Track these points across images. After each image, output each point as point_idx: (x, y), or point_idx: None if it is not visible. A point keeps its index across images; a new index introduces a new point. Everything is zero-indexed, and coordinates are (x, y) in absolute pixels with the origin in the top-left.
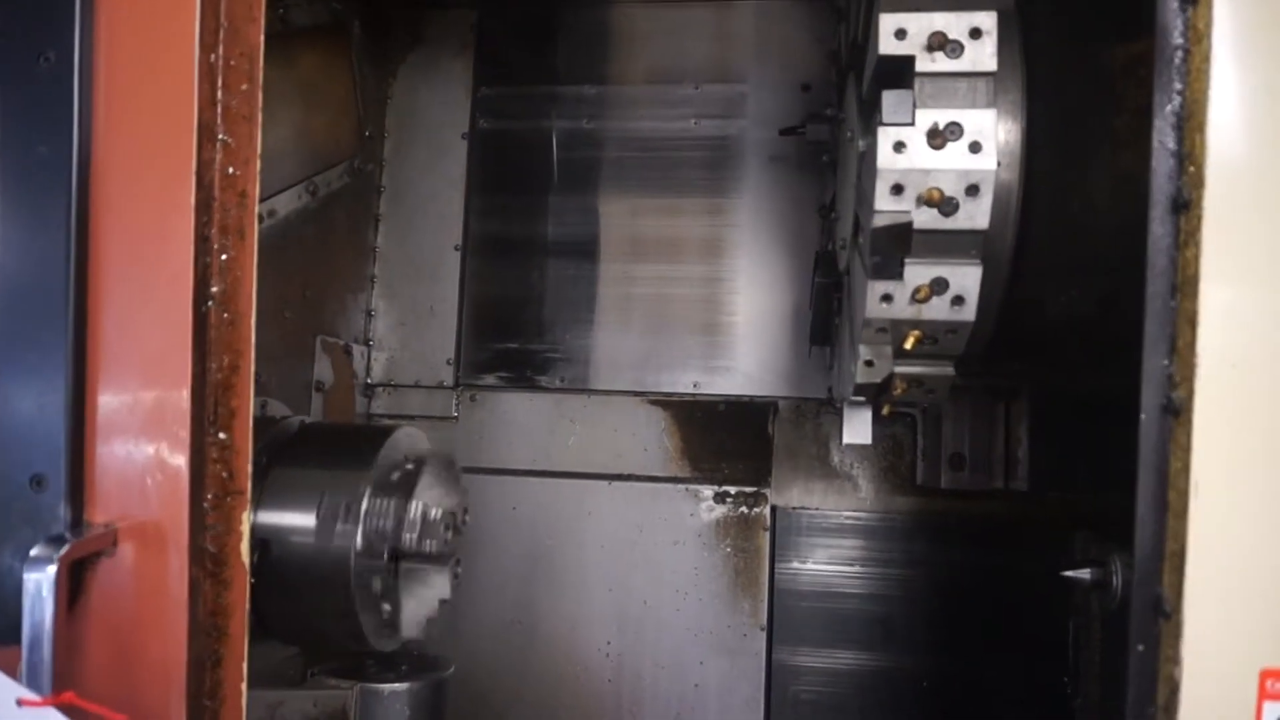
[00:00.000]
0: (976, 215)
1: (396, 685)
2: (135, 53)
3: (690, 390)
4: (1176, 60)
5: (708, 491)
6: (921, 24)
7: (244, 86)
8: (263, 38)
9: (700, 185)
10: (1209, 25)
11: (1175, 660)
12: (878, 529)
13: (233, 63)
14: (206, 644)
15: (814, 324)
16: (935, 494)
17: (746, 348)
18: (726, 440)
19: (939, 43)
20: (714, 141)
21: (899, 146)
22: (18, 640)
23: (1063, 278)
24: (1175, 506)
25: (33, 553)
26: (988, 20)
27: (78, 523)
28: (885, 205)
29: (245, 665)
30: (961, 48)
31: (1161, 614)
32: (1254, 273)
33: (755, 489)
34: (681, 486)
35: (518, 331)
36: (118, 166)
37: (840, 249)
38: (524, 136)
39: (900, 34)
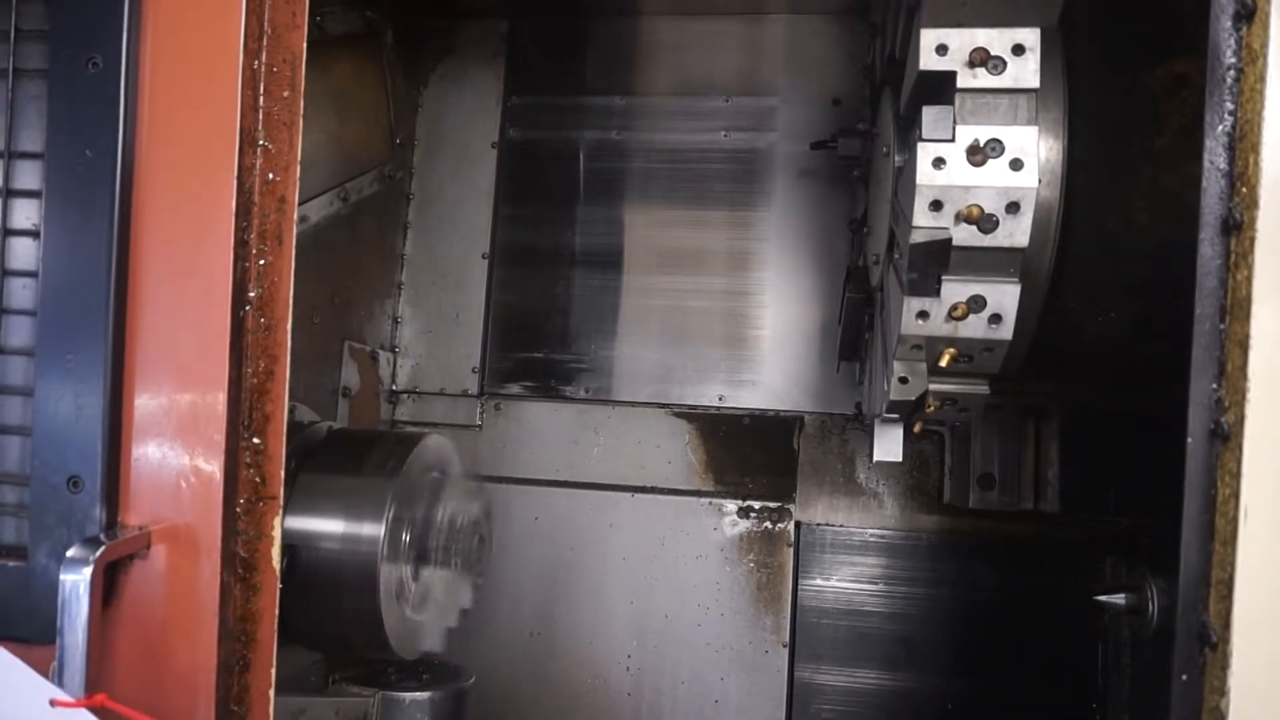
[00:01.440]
0: (1016, 233)
1: (417, 694)
2: (181, 58)
3: (715, 403)
4: (1229, 80)
5: (731, 506)
6: (963, 40)
7: (285, 93)
8: (305, 44)
9: (728, 198)
10: (1264, 45)
11: (1221, 691)
12: (903, 547)
13: (275, 69)
14: (235, 649)
15: (843, 339)
16: (962, 513)
17: (772, 362)
18: (751, 454)
19: (981, 59)
20: (743, 154)
21: (938, 163)
22: (50, 639)
23: (1101, 297)
24: (1223, 533)
25: (70, 554)
26: (1031, 36)
27: (112, 524)
28: (924, 221)
29: (273, 671)
30: (1004, 64)
31: (1207, 643)
32: None
33: (779, 504)
34: (705, 500)
35: (543, 341)
36: (161, 170)
37: (873, 264)
38: (553, 146)
39: (941, 50)
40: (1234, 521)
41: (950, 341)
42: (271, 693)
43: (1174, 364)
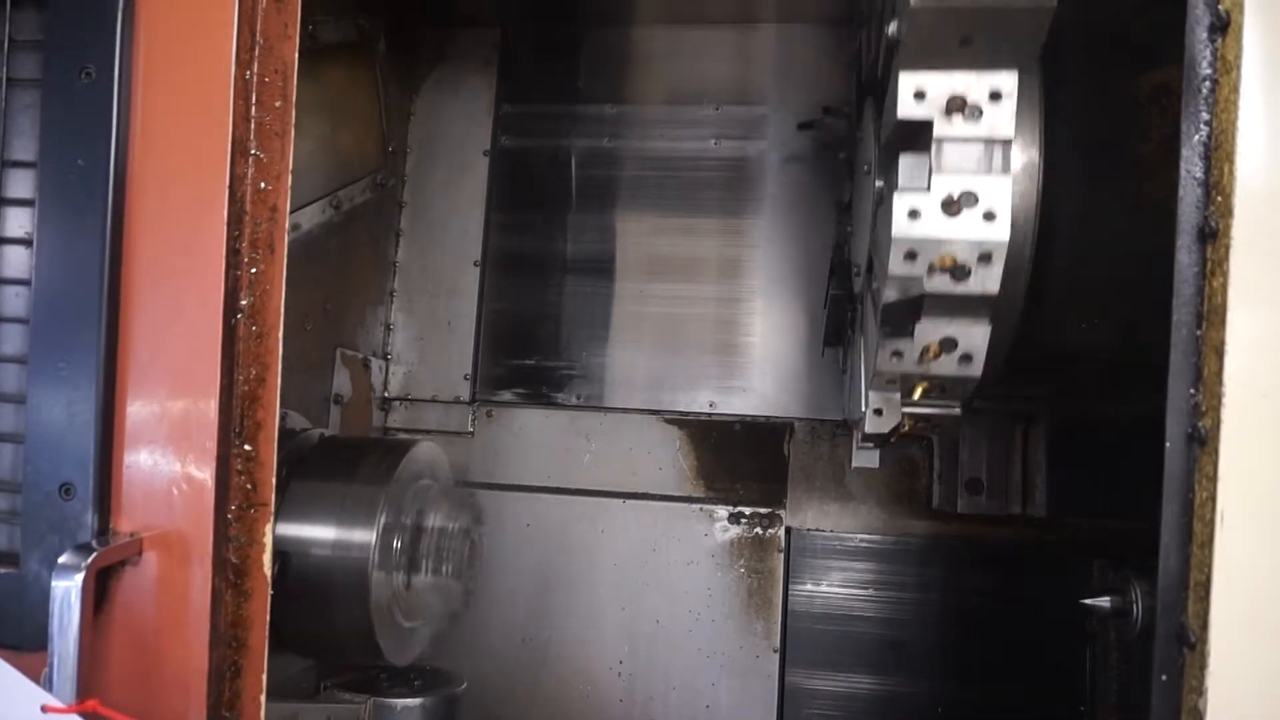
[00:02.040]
0: (988, 281)
1: (409, 700)
2: (173, 68)
3: (706, 410)
4: (1204, 91)
5: (722, 511)
6: (940, 86)
7: (277, 103)
8: (296, 55)
9: (719, 205)
10: (1238, 56)
11: (1199, 691)
12: (892, 552)
13: (267, 79)
14: (226, 655)
15: (828, 326)
16: (951, 518)
17: (763, 368)
18: (742, 460)
19: (958, 105)
20: (733, 162)
21: (913, 214)
22: (41, 646)
23: (1082, 304)
24: (1200, 536)
25: (61, 560)
26: (1008, 82)
27: (104, 531)
28: (898, 270)
29: (264, 677)
30: (980, 111)
31: (1185, 644)
32: None
33: (770, 510)
34: (696, 506)
35: (535, 348)
36: (153, 180)
37: (855, 274)
38: (544, 154)
39: (919, 96)
40: (1211, 524)
41: (924, 376)
42: (263, 698)
43: (1155, 369)
